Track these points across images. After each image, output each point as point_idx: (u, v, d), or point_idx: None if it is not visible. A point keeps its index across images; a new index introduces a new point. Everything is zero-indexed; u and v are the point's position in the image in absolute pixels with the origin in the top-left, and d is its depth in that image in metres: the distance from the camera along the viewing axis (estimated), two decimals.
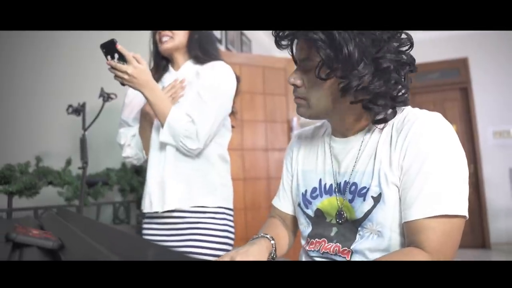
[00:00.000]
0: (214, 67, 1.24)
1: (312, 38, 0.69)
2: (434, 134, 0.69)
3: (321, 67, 0.70)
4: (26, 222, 0.88)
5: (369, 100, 0.71)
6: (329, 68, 0.70)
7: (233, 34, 3.75)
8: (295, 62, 0.80)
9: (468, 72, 4.53)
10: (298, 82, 0.77)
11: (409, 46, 0.73)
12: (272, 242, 0.82)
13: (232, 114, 1.32)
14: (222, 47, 3.44)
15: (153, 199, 1.20)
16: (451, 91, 4.62)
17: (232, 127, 1.35)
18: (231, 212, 1.29)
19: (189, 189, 1.20)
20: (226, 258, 0.74)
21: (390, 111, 0.73)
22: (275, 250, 0.82)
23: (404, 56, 0.71)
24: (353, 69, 0.68)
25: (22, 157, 1.68)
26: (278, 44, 0.78)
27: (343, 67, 0.68)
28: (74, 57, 2.64)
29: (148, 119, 1.25)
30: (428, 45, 4.54)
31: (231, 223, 1.28)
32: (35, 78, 2.77)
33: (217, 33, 3.37)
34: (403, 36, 0.72)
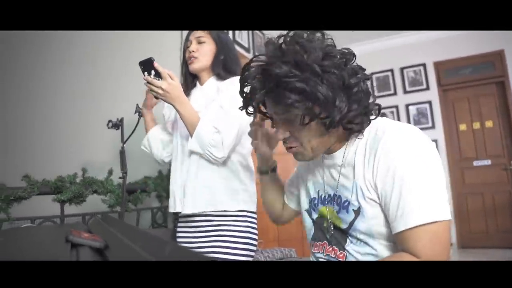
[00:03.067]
0: (234, 82, 1.33)
1: (287, 104, 0.72)
2: (400, 147, 0.73)
3: (303, 118, 0.74)
4: (77, 227, 1.02)
5: (348, 121, 0.76)
6: (311, 116, 0.74)
7: (260, 41, 3.84)
8: (270, 117, 0.84)
9: (504, 65, 4.36)
10: (287, 134, 0.81)
11: (354, 58, 0.76)
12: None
13: None
14: (250, 55, 3.55)
15: (178, 201, 1.34)
16: (486, 86, 4.45)
17: None
18: (253, 215, 1.38)
19: (212, 195, 1.31)
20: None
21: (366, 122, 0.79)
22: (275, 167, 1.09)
23: (360, 72, 0.76)
24: (333, 107, 0.72)
25: (71, 169, 1.87)
26: (247, 112, 0.86)
27: (323, 109, 0.73)
28: (111, 76, 2.85)
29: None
30: (459, 41, 4.42)
31: (254, 225, 1.37)
32: (78, 98, 3.01)
33: (245, 42, 3.48)
34: (345, 51, 0.76)
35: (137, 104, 1.69)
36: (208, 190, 1.31)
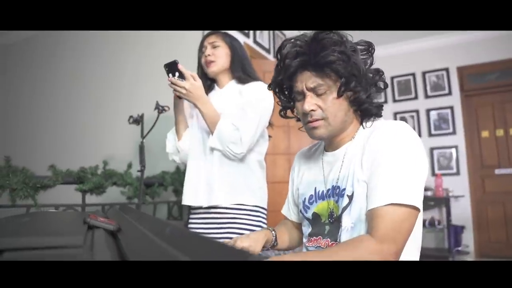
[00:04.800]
0: (255, 86, 1.42)
1: (331, 62, 0.81)
2: (388, 139, 0.81)
3: (343, 85, 0.83)
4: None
5: (369, 103, 0.87)
6: (348, 84, 0.83)
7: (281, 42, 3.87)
8: (299, 92, 0.89)
9: None
10: (314, 107, 0.87)
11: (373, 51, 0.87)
12: (273, 232, 1.01)
13: (270, 125, 1.48)
14: (270, 57, 3.58)
15: (200, 195, 1.39)
16: None
17: (269, 136, 1.51)
18: (265, 211, 1.46)
19: (232, 190, 1.38)
20: (231, 242, 0.92)
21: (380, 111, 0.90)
22: (275, 239, 1.01)
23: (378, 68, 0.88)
24: (364, 82, 0.83)
25: (93, 161, 1.97)
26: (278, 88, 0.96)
27: (357, 82, 0.83)
28: (134, 74, 2.95)
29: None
30: (484, 46, 4.31)
31: (265, 220, 1.45)
32: (101, 95, 3.13)
33: (265, 43, 3.53)
34: (367, 45, 0.87)
35: (157, 101, 1.76)
36: (229, 184, 1.39)
